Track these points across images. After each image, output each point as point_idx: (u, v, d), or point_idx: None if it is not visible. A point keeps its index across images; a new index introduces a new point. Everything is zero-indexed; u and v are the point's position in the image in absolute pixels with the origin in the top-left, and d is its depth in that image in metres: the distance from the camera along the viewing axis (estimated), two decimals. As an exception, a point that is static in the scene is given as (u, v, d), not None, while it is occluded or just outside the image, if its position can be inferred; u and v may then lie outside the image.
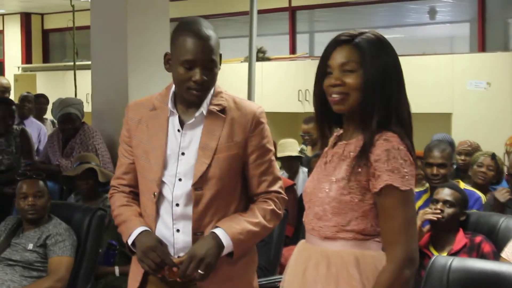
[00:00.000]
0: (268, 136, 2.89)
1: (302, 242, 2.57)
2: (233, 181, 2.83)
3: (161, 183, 2.80)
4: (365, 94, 2.37)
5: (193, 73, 2.71)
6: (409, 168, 2.32)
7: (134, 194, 2.94)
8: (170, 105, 2.83)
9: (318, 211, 2.43)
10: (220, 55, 2.81)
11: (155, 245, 2.75)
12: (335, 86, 2.42)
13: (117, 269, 4.85)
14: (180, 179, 2.79)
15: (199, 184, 2.76)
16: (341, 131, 2.55)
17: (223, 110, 2.82)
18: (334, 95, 2.42)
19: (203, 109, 2.80)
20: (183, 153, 2.80)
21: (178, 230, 2.79)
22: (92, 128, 6.33)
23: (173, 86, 2.86)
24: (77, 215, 4.60)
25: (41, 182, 4.55)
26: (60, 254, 4.35)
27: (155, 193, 2.80)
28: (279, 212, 2.87)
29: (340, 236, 2.39)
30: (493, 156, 5.74)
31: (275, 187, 2.88)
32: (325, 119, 2.54)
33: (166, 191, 2.80)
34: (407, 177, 2.31)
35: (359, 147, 2.39)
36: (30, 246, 4.38)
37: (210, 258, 2.71)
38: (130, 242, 2.82)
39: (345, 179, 2.37)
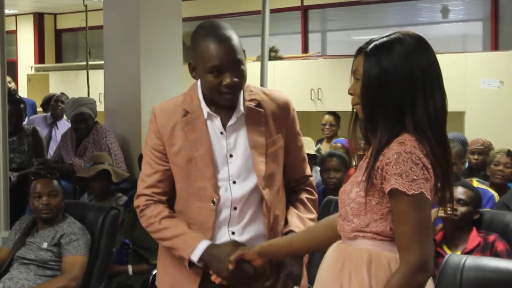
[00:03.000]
0: (297, 121, 2.96)
1: (337, 242, 2.57)
2: (282, 171, 2.87)
3: (217, 187, 2.76)
4: (362, 100, 2.35)
5: (223, 77, 2.67)
6: (421, 172, 2.27)
7: (169, 203, 2.87)
8: (206, 108, 2.78)
9: (342, 213, 2.45)
10: (244, 51, 2.77)
11: (238, 254, 2.65)
12: (351, 95, 2.42)
13: (130, 268, 4.86)
14: (234, 182, 2.76)
15: (264, 183, 2.76)
16: None
17: (259, 105, 2.82)
18: (353, 104, 2.43)
19: (242, 108, 2.78)
20: (231, 155, 2.78)
21: (233, 233, 2.78)
22: (105, 127, 6.35)
23: (198, 88, 2.82)
24: (90, 214, 4.62)
25: (55, 182, 4.56)
26: (74, 253, 4.36)
27: (215, 200, 2.75)
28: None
29: (360, 235, 2.39)
30: (509, 153, 5.71)
31: (308, 171, 2.99)
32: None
33: (223, 195, 2.75)
34: (417, 181, 2.26)
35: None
36: (45, 245, 4.40)
37: (301, 273, 2.75)
38: (196, 258, 2.72)
39: (364, 181, 2.36)
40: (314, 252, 2.85)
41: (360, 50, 2.40)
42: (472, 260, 3.23)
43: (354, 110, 2.45)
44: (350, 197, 2.40)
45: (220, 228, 2.77)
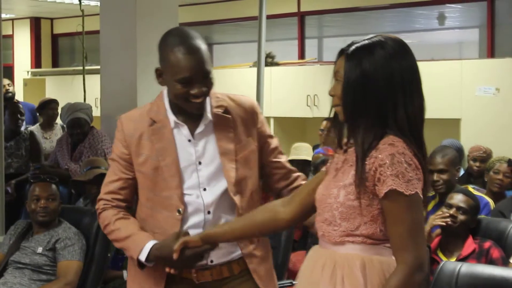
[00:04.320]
0: (266, 122, 3.02)
1: (314, 246, 2.58)
2: (256, 175, 2.90)
3: (183, 196, 2.78)
4: (343, 102, 2.37)
5: (192, 88, 2.70)
6: (414, 172, 2.30)
7: (129, 210, 2.90)
8: (172, 117, 2.81)
9: (328, 217, 2.43)
10: (211, 58, 2.80)
11: (188, 256, 2.68)
12: (331, 96, 2.44)
13: (125, 273, 4.85)
14: (204, 189, 2.79)
15: (235, 190, 2.79)
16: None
17: (226, 111, 2.85)
18: (333, 105, 2.44)
19: (209, 115, 2.81)
20: (200, 162, 2.80)
21: None
22: (101, 132, 6.35)
23: (165, 97, 2.85)
24: (86, 219, 4.61)
25: (53, 186, 4.57)
26: (69, 258, 4.35)
27: (180, 210, 2.77)
28: None
29: (349, 240, 2.39)
30: (510, 162, 5.70)
31: (291, 166, 3.05)
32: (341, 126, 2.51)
33: (194, 202, 2.78)
34: (412, 181, 2.29)
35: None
36: (40, 250, 4.40)
37: None
38: (143, 258, 2.75)
39: (352, 184, 2.37)
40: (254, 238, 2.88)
41: (342, 52, 2.42)
42: (467, 267, 3.24)
43: (334, 112, 2.47)
44: (338, 201, 2.39)
45: (194, 232, 2.75)
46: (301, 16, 11.14)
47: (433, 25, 10.27)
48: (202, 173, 2.79)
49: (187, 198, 2.78)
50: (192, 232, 2.75)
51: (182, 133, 2.81)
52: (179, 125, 2.81)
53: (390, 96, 2.34)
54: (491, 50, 9.30)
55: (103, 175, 5.49)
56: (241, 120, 2.86)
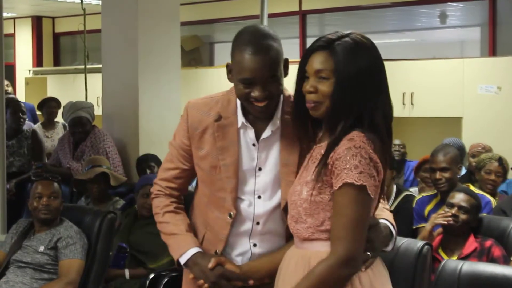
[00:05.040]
0: None
1: (291, 248, 2.58)
2: None
3: (236, 201, 2.69)
4: (334, 101, 2.37)
5: (253, 89, 2.56)
6: (368, 167, 2.31)
7: (181, 200, 2.85)
8: (241, 118, 2.68)
9: (294, 214, 2.46)
10: (286, 60, 2.67)
11: (223, 272, 2.63)
12: (310, 93, 2.43)
13: (127, 272, 4.85)
14: (259, 197, 2.68)
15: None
16: (320, 135, 2.56)
17: None
18: (309, 102, 2.44)
19: (278, 121, 2.66)
20: (260, 169, 2.68)
21: (255, 245, 2.72)
22: (103, 131, 6.35)
23: None
24: (87, 218, 4.61)
25: (56, 184, 4.57)
26: (71, 257, 4.36)
27: (232, 214, 2.69)
28: None
29: (316, 236, 2.41)
30: (500, 162, 5.70)
31: None
32: (304, 122, 2.54)
33: (245, 210, 2.69)
34: (363, 174, 2.30)
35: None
36: (41, 248, 4.40)
37: None
38: (182, 261, 2.71)
39: (313, 180, 2.39)
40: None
41: (321, 48, 2.43)
42: (469, 266, 3.24)
43: (296, 108, 2.50)
44: (302, 197, 2.41)
45: (241, 238, 2.71)
46: (303, 15, 11.14)
47: (435, 24, 10.26)
48: (260, 180, 2.68)
49: (240, 204, 2.69)
50: (239, 239, 2.71)
51: (248, 136, 2.69)
52: (246, 127, 2.68)
53: (374, 93, 2.39)
54: (492, 48, 9.29)
55: (104, 174, 5.56)
56: None
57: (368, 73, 2.38)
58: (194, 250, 2.70)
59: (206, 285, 2.62)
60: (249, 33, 2.61)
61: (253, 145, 2.68)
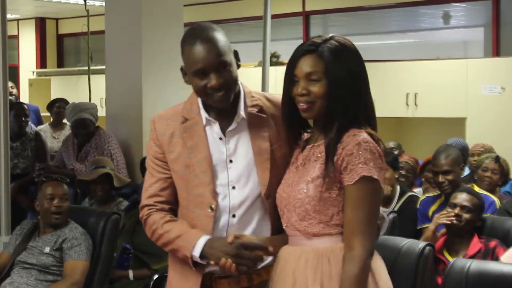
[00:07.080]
0: None
1: (284, 248, 2.59)
2: None
3: (215, 193, 2.71)
4: (330, 101, 2.46)
5: (208, 79, 2.64)
6: (378, 161, 2.42)
7: (173, 212, 2.82)
8: (204, 114, 2.75)
9: (300, 212, 2.50)
10: (236, 52, 2.73)
11: (242, 243, 2.60)
12: (302, 95, 2.50)
13: (131, 273, 4.86)
14: (233, 187, 2.72)
15: (267, 192, 2.69)
16: (307, 136, 2.66)
17: (261, 110, 2.77)
18: (302, 104, 2.51)
19: (242, 113, 2.74)
20: (231, 161, 2.73)
21: None
22: (107, 132, 6.35)
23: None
24: (91, 219, 4.62)
25: (65, 185, 4.57)
26: (76, 258, 4.36)
27: (213, 206, 2.70)
28: None
29: (326, 232, 2.47)
30: (497, 159, 5.73)
31: None
32: (293, 124, 2.63)
33: (221, 203, 2.71)
34: (376, 168, 2.40)
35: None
36: (47, 250, 4.40)
37: None
38: (197, 253, 2.65)
39: (320, 177, 2.46)
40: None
41: (308, 52, 2.50)
42: (476, 265, 3.25)
43: (286, 112, 2.59)
44: (309, 195, 2.48)
45: (221, 233, 2.71)
46: (306, 16, 11.14)
47: (438, 24, 10.26)
48: (232, 172, 2.72)
49: (217, 197, 2.71)
50: (220, 234, 2.69)
51: (214, 130, 2.75)
52: (211, 122, 2.75)
53: (364, 93, 2.51)
54: (496, 49, 9.29)
55: (107, 175, 5.56)
56: (277, 121, 2.76)
57: (357, 73, 2.48)
58: (204, 237, 2.67)
59: (229, 260, 2.57)
60: (192, 29, 2.72)
61: (220, 138, 2.75)
